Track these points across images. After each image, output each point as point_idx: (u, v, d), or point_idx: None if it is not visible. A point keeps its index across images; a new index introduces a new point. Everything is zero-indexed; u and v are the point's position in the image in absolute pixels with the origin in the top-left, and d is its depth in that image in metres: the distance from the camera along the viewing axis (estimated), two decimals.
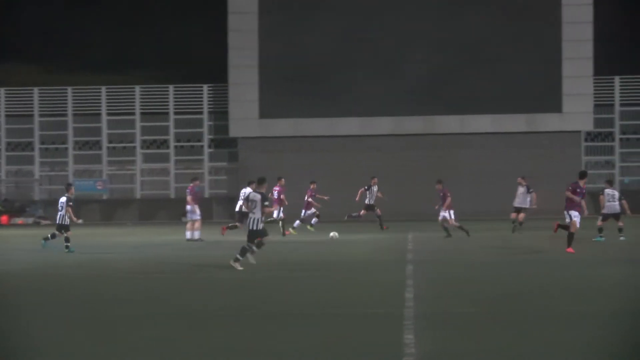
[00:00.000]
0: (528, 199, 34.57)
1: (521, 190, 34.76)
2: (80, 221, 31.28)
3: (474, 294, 16.53)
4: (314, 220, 37.87)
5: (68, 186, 29.94)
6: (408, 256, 25.49)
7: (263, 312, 14.76)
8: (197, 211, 33.23)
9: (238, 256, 21.73)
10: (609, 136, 56.58)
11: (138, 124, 57.66)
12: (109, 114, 57.71)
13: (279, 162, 52.46)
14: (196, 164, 57.47)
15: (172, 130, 57.70)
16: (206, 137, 57.51)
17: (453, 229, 33.23)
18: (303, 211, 37.89)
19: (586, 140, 55.83)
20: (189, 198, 33.30)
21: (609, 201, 31.05)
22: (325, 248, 29.15)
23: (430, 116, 54.02)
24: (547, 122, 53.93)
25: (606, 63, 54.55)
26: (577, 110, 53.85)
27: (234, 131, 55.11)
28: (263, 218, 22.05)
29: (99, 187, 57.41)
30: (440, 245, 30.06)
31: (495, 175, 52.40)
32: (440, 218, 33.00)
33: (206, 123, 57.46)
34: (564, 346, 11.60)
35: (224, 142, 56.94)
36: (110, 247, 31.38)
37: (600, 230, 30.63)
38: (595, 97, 54.94)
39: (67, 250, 28.25)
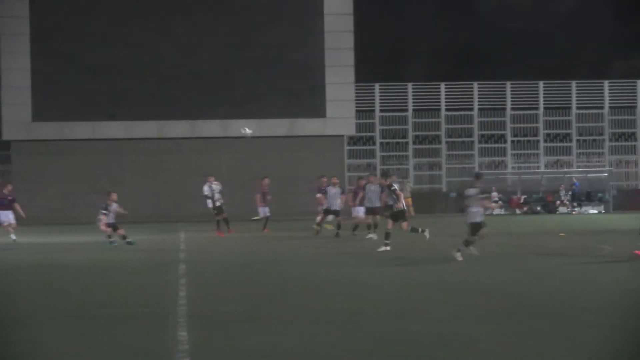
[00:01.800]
0: (338, 201, 34.68)
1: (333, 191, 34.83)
2: None
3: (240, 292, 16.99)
4: None
5: None
6: (181, 256, 25.82)
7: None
8: None
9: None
10: (370, 140, 58.27)
11: None
12: None
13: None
14: None
15: None
16: None
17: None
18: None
19: (349, 144, 57.30)
20: None
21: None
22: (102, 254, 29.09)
23: (194, 120, 54.12)
24: (311, 126, 54.95)
25: (367, 71, 56.19)
26: (340, 115, 55.14)
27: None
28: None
29: None
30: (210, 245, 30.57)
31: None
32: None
33: None
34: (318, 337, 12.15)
35: None
36: None
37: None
38: (356, 103, 56.38)
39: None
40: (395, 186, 26.77)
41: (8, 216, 33.15)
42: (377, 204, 31.25)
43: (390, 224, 26.16)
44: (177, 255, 25.84)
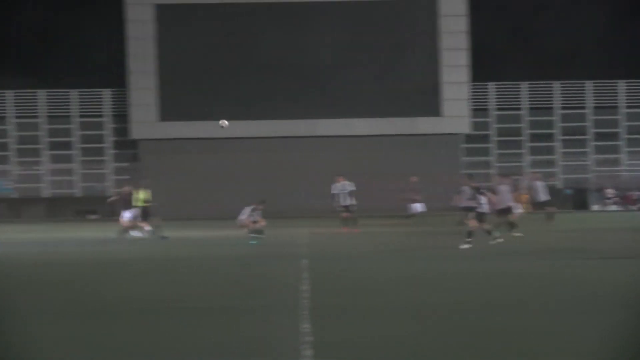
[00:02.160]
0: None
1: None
2: None
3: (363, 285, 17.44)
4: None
5: None
6: (304, 250, 26.30)
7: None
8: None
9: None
10: (485, 138, 58.43)
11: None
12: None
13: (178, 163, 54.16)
14: (99, 164, 58.01)
15: (77, 133, 58.06)
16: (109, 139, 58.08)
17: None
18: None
19: (465, 142, 57.55)
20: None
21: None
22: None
23: (314, 120, 55.15)
24: (427, 125, 55.43)
25: (482, 70, 56.32)
26: (455, 113, 55.57)
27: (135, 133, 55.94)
28: None
29: (6, 187, 57.49)
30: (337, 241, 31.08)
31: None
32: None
33: (109, 126, 57.95)
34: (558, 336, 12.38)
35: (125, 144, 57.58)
36: None
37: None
38: (471, 102, 56.71)
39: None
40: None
41: (130, 214, 34.02)
42: (508, 204, 31.16)
43: (473, 222, 26.96)
44: (300, 250, 26.36)
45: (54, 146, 58.01)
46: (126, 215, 34.01)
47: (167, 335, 12.45)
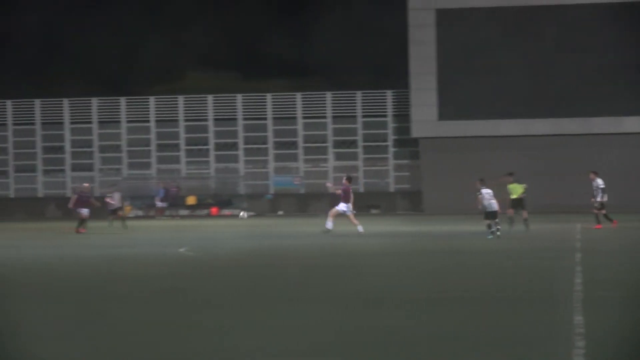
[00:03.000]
0: None
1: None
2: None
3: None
4: None
5: None
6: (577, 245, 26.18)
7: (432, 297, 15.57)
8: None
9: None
10: None
11: (330, 126, 59.84)
12: (304, 117, 60.03)
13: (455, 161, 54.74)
14: (381, 161, 59.46)
15: (360, 132, 59.73)
16: (390, 138, 59.43)
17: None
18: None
19: None
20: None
21: None
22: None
23: (588, 118, 54.47)
24: None
25: None
26: None
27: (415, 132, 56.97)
28: None
29: (296, 182, 60.00)
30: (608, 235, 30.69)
31: None
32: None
33: (391, 125, 59.33)
34: None
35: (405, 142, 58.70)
36: (293, 234, 34.04)
37: None
38: None
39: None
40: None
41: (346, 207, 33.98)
42: None
43: None
44: (573, 245, 26.22)
45: (338, 144, 59.90)
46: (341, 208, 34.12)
47: (454, 324, 12.73)
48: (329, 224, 33.73)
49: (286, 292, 16.55)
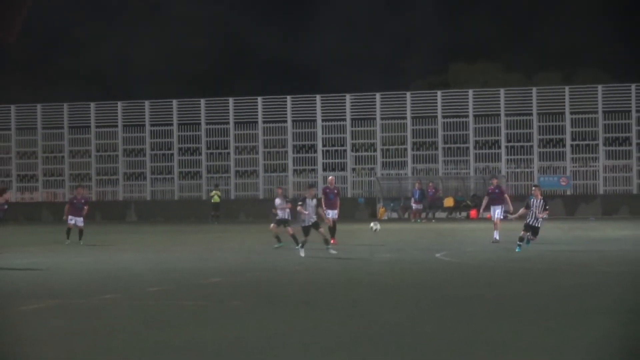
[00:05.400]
0: None
1: None
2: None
3: None
4: None
5: None
6: None
7: None
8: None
9: None
10: None
11: (601, 122, 53.85)
12: (571, 113, 54.49)
13: None
14: None
15: (634, 128, 53.52)
16: None
17: None
18: None
19: None
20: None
21: None
22: None
23: None
24: None
25: None
26: None
27: None
28: None
29: (563, 183, 54.48)
30: None
31: None
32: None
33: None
34: None
35: None
36: (570, 240, 29.54)
37: None
38: None
39: None
40: None
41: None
42: None
43: None
44: None
45: (609, 142, 53.90)
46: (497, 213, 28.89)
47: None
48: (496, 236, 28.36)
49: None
